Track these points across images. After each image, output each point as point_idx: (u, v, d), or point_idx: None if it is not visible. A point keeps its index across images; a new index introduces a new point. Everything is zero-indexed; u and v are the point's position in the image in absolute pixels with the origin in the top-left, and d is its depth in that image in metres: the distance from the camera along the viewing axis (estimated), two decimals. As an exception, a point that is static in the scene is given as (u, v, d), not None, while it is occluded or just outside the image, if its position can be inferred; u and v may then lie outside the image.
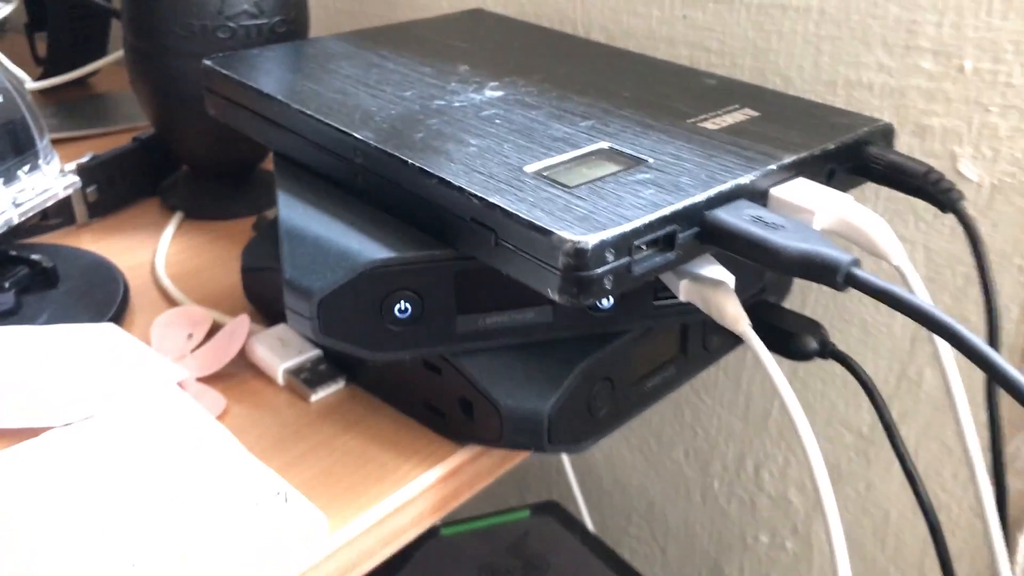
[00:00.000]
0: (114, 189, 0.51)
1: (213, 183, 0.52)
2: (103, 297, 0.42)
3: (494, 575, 0.48)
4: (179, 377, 0.36)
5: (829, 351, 0.36)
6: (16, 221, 0.38)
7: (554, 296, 0.27)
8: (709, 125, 0.34)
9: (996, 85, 0.37)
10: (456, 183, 0.29)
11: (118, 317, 0.41)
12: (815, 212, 0.30)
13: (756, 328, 0.29)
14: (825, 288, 0.43)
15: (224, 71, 0.39)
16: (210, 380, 0.37)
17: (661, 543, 0.57)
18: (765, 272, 0.37)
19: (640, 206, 0.27)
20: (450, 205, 0.29)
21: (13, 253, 0.42)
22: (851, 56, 0.40)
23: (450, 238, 0.30)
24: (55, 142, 0.59)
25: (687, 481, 0.54)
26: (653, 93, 0.37)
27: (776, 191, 0.30)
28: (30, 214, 0.38)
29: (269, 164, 0.55)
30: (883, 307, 0.43)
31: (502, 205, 0.28)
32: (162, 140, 0.51)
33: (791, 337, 0.37)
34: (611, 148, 0.32)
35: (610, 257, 0.26)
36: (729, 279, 0.29)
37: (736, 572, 0.54)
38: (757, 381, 0.48)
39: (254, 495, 0.29)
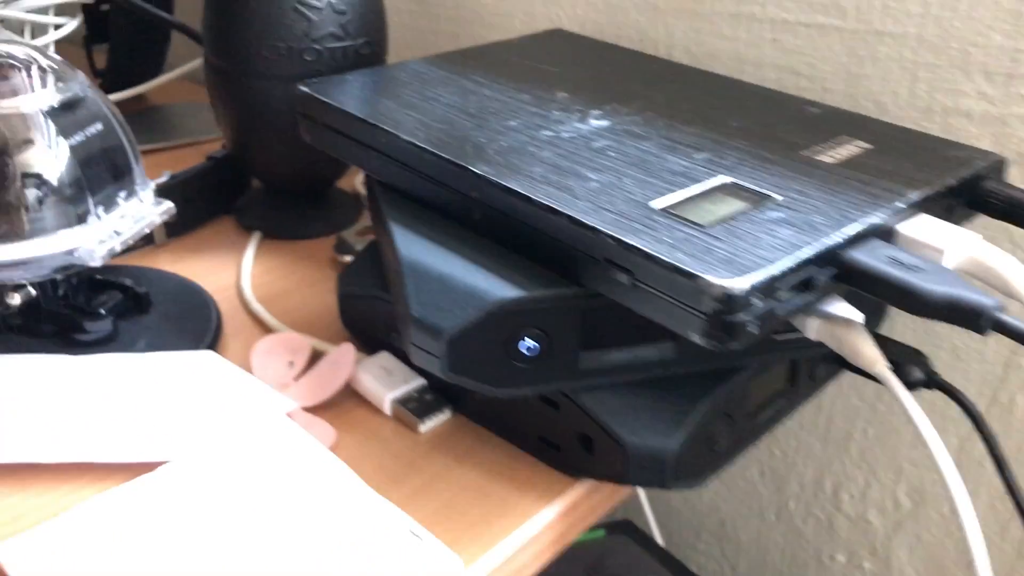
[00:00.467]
0: (190, 208, 0.51)
1: (290, 202, 0.52)
2: (197, 322, 0.41)
3: (575, 597, 0.48)
4: (287, 408, 0.36)
5: (935, 382, 0.36)
6: (119, 250, 0.38)
7: (696, 339, 0.27)
8: (825, 158, 0.34)
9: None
10: (588, 222, 0.29)
11: (214, 343, 0.41)
12: (944, 251, 0.30)
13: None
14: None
15: (324, 98, 0.39)
16: (315, 410, 0.37)
17: (732, 560, 0.57)
18: (887, 309, 0.37)
19: (780, 247, 0.27)
20: (581, 244, 0.29)
21: (100, 277, 0.42)
22: (949, 83, 0.40)
23: (578, 276, 0.30)
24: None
25: (761, 500, 0.54)
26: (759, 122, 0.37)
27: (904, 229, 0.30)
28: (131, 243, 0.38)
29: (344, 183, 0.55)
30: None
31: (641, 247, 0.28)
32: (237, 158, 0.51)
33: (896, 368, 0.37)
34: (733, 183, 0.32)
35: (756, 301, 0.26)
36: (859, 317, 0.29)
37: (807, 590, 0.54)
38: (839, 403, 0.48)
39: (387, 534, 0.29)
